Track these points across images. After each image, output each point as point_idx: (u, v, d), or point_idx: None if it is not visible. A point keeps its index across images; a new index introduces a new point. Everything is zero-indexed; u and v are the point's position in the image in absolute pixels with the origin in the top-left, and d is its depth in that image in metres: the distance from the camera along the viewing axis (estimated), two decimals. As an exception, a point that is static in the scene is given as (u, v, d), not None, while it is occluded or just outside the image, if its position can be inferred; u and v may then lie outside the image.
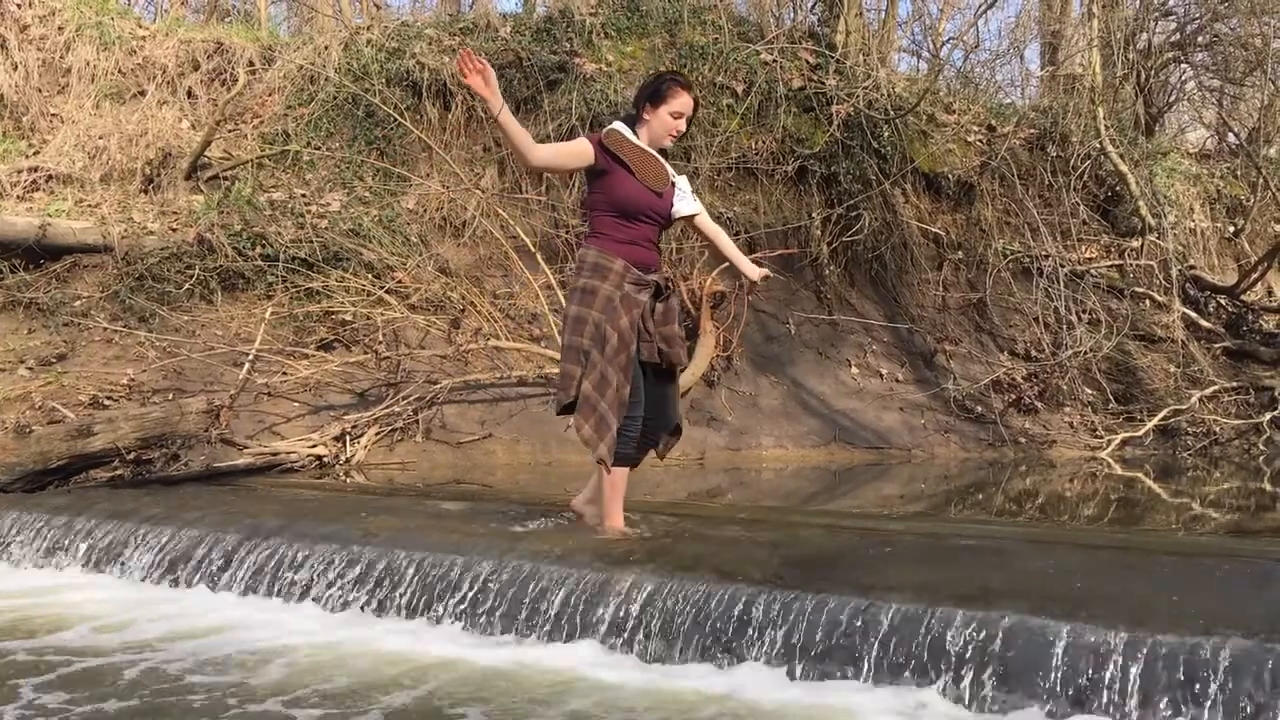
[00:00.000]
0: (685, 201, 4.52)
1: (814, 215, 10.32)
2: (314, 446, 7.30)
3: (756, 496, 7.05)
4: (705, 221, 4.64)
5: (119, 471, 6.34)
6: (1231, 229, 12.84)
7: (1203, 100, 15.54)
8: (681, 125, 4.43)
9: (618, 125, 4.44)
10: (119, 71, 10.87)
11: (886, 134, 10.61)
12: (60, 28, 10.96)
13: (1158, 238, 11.10)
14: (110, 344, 8.35)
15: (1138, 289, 11.15)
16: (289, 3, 19.28)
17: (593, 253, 4.34)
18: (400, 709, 3.14)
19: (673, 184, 4.49)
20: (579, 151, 4.34)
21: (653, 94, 4.40)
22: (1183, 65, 14.35)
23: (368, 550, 4.38)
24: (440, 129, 10.26)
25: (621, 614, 3.62)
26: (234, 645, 3.79)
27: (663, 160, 4.46)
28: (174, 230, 9.20)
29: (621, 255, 4.33)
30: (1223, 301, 11.67)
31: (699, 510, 5.34)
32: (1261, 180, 11.98)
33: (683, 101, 4.39)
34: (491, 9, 12.12)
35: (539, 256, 9.19)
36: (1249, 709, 2.69)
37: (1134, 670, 2.84)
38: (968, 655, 3.05)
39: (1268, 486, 7.81)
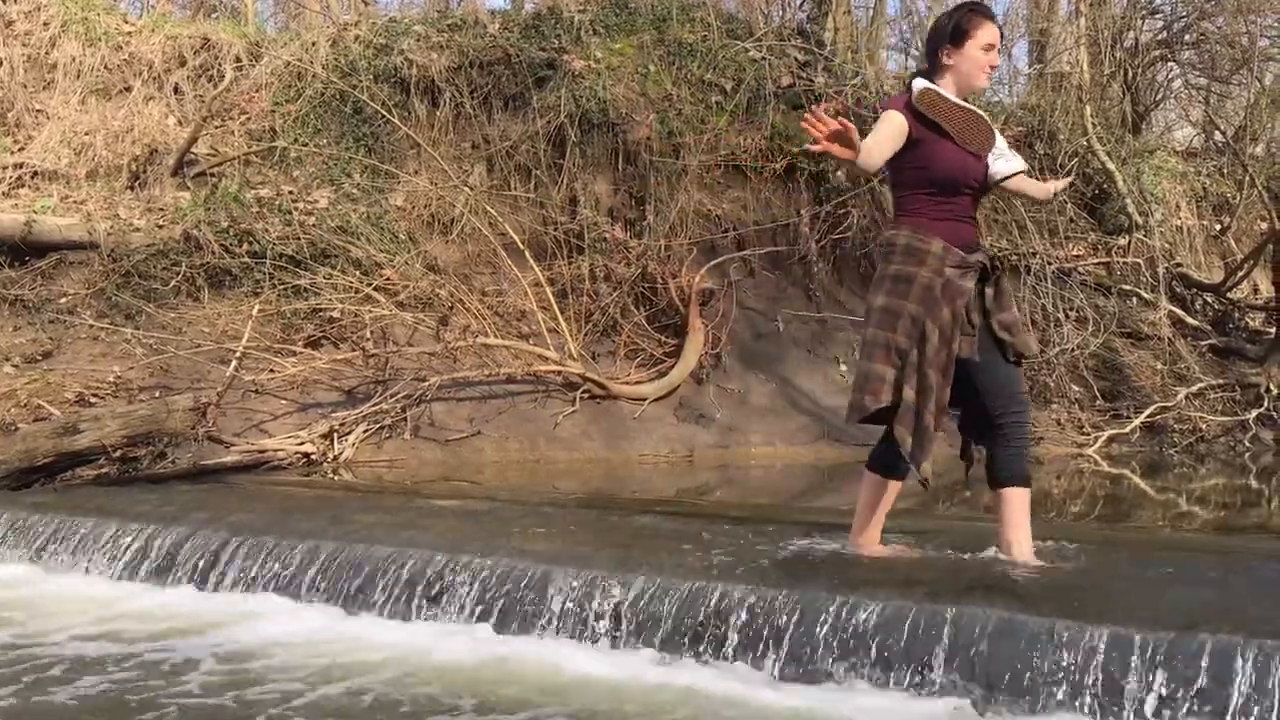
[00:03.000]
0: (1004, 160, 3.87)
1: (803, 213, 10.31)
2: (302, 444, 7.28)
3: (745, 494, 7.06)
4: (1018, 180, 3.99)
5: (105, 469, 6.32)
6: (1218, 227, 12.88)
7: (1189, 98, 15.57)
8: (995, 58, 3.75)
9: (924, 82, 3.75)
10: (105, 67, 10.79)
11: (875, 132, 10.60)
12: (45, 23, 10.88)
13: (1144, 235, 11.13)
14: (96, 341, 8.31)
15: (1125, 287, 11.18)
16: (276, -1, 19.20)
17: (904, 234, 3.72)
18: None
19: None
20: (898, 131, 3.67)
21: (954, 32, 3.72)
22: (1170, 63, 14.37)
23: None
24: (428, 126, 10.23)
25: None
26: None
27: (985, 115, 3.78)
28: (160, 227, 9.15)
29: (940, 234, 3.71)
30: (1209, 299, 11.71)
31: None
32: (1248, 178, 12.01)
33: (990, 31, 3.72)
34: (480, 6, 12.09)
35: (528, 254, 9.18)
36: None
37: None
38: None
39: (1253, 483, 7.86)
